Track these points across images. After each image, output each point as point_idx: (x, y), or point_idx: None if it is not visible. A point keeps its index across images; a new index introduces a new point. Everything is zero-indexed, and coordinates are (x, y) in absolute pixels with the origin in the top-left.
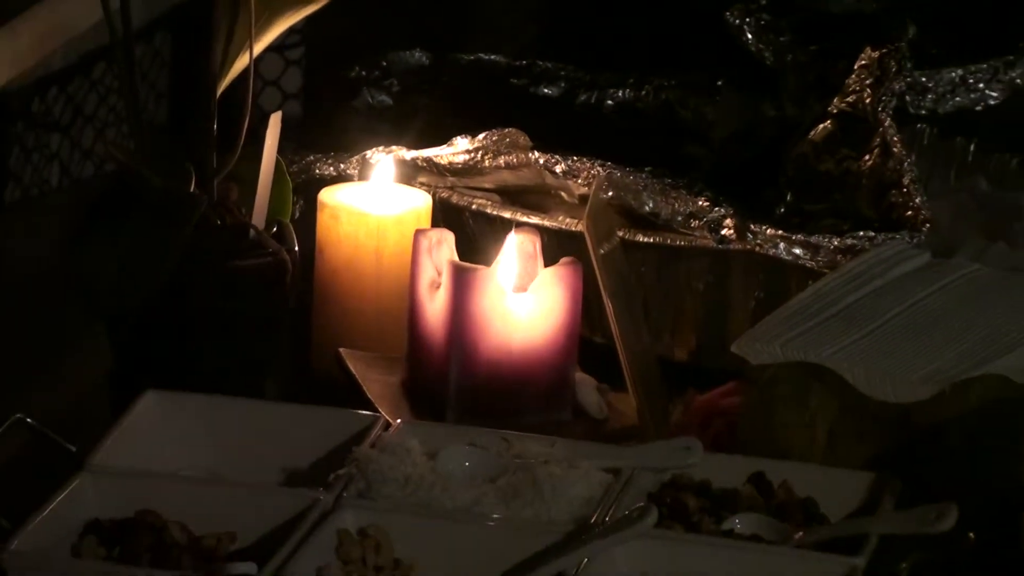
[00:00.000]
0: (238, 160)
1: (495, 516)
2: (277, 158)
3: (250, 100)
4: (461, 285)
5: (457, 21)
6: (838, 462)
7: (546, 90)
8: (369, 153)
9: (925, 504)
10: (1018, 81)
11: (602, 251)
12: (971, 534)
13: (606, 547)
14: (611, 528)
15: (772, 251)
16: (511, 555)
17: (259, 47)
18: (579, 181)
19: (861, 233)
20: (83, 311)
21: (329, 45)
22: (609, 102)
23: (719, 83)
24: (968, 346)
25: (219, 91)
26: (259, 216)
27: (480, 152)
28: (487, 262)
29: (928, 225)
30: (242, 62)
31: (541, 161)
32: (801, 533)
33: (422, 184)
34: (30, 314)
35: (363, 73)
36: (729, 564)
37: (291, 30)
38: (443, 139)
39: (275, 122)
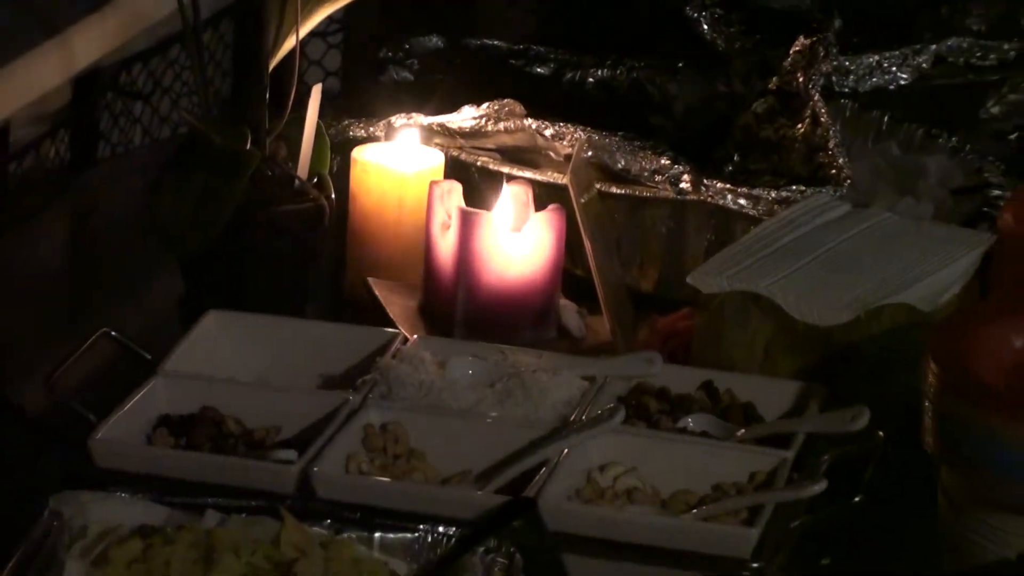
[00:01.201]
0: (286, 124)
1: (492, 414)
2: (318, 122)
3: (296, 75)
4: (467, 226)
5: (468, 13)
6: (773, 373)
7: (539, 69)
8: (393, 119)
9: (843, 408)
10: (923, 65)
11: (583, 200)
12: (880, 432)
13: (582, 440)
14: (586, 425)
15: (721, 201)
16: (505, 446)
17: (303, 32)
18: (564, 143)
19: (794, 187)
20: (160, 248)
21: (362, 32)
22: (590, 80)
23: (680, 65)
24: (880, 280)
25: (270, 68)
26: (303, 169)
27: (484, 119)
28: (488, 208)
29: (848, 181)
30: (289, 44)
31: (533, 126)
32: (743, 431)
33: (436, 144)
34: (118, 250)
35: (389, 54)
36: (683, 456)
37: (331, 19)
38: (454, 108)
39: (316, 93)
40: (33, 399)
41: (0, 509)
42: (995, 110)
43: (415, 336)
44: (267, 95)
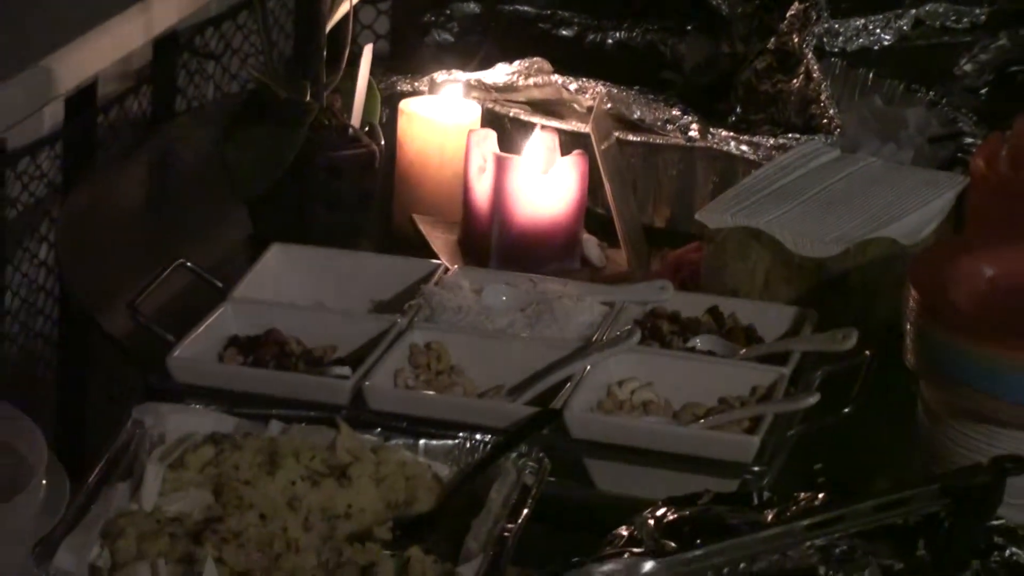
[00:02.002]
0: (341, 79)
1: (523, 335)
2: (369, 78)
3: (349, 36)
4: (501, 170)
5: None
6: (771, 299)
7: (564, 32)
8: (436, 75)
9: (834, 329)
10: (904, 28)
11: (603, 147)
12: (867, 351)
13: (603, 358)
14: (606, 344)
15: (725, 148)
16: (534, 363)
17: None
18: (586, 96)
19: (789, 135)
20: (230, 190)
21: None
22: (609, 40)
23: (688, 28)
24: (866, 217)
25: (327, 30)
26: (356, 119)
27: (516, 75)
28: (519, 153)
29: (838, 130)
30: (343, 9)
31: (559, 81)
32: (744, 350)
33: (474, 97)
34: (193, 192)
35: (432, 19)
36: (691, 372)
37: None
38: (489, 66)
39: (368, 52)
40: (119, 323)
41: (92, 419)
42: (967, 67)
43: (455, 266)
44: (324, 54)
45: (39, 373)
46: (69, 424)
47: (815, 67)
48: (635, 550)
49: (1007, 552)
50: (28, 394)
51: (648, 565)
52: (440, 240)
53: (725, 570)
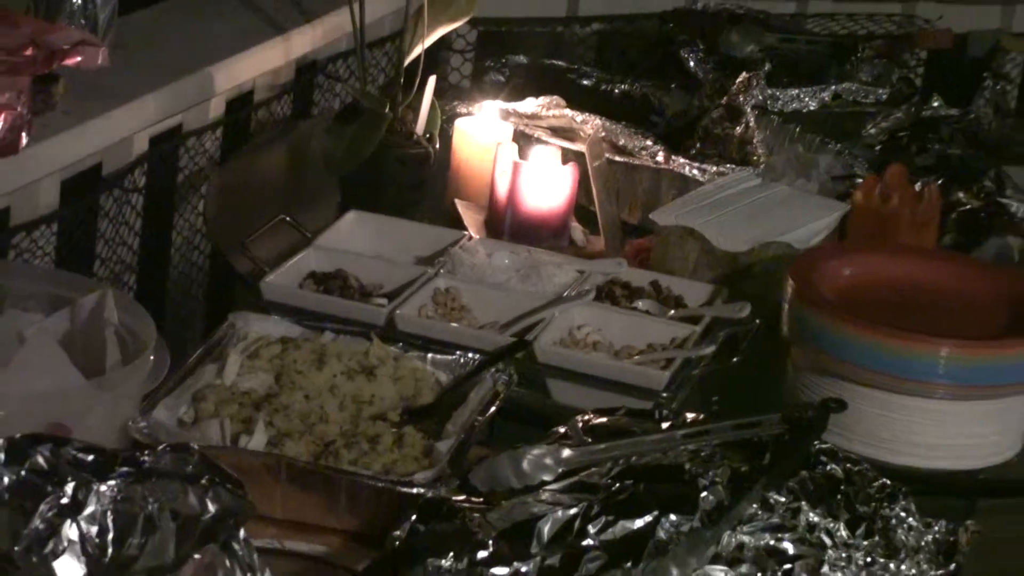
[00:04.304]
0: (413, 98)
1: (515, 288)
2: (433, 100)
3: (420, 70)
4: (516, 172)
5: (546, 42)
6: (697, 278)
7: (584, 82)
8: (484, 103)
9: (735, 302)
10: (826, 99)
11: (595, 164)
12: (756, 320)
13: (568, 308)
14: (571, 299)
15: (682, 171)
16: (522, 308)
17: (428, 43)
18: (588, 127)
19: (728, 166)
20: (325, 169)
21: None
22: (615, 91)
23: (672, 86)
24: (771, 226)
25: (404, 66)
26: (420, 128)
27: (541, 108)
28: (533, 162)
29: (763, 165)
30: (417, 51)
31: (570, 114)
32: (672, 312)
33: (509, 121)
34: (309, 170)
35: (491, 64)
36: (631, 324)
37: (466, 41)
38: (522, 99)
39: (431, 83)
40: (238, 258)
41: (211, 320)
42: (871, 131)
43: (476, 237)
44: (401, 82)
45: (193, 292)
46: (210, 325)
47: (752, 120)
48: (563, 441)
49: (828, 467)
50: (183, 309)
51: (566, 452)
52: (471, 218)
53: (620, 460)
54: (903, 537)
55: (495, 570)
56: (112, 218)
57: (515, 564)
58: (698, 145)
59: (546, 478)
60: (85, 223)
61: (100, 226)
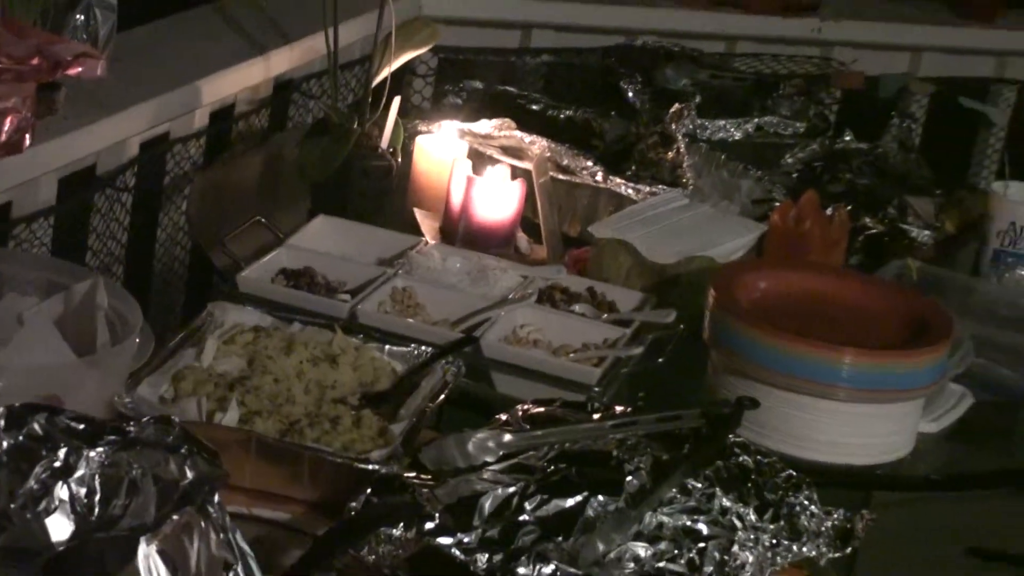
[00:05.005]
0: (379, 116)
1: (466, 289)
2: (397, 118)
3: (387, 91)
4: (469, 186)
5: (498, 70)
6: (629, 287)
7: (533, 107)
8: (443, 123)
9: (662, 309)
10: (749, 130)
11: (540, 180)
12: (681, 325)
13: (512, 309)
14: (517, 300)
15: (618, 190)
16: (471, 307)
17: (395, 67)
18: (535, 147)
19: (660, 187)
20: (298, 177)
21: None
22: (561, 116)
23: (612, 113)
24: (696, 242)
25: (372, 87)
26: (384, 143)
27: (494, 129)
28: (485, 176)
29: (692, 187)
30: (384, 73)
31: (520, 136)
32: (605, 316)
33: (464, 139)
34: (283, 177)
35: (448, 88)
36: (569, 325)
37: (428, 66)
38: (477, 120)
39: (395, 103)
40: (217, 254)
41: (191, 309)
42: (789, 161)
43: (432, 242)
44: (368, 100)
45: (175, 283)
46: (190, 313)
47: (683, 147)
48: (504, 427)
49: (740, 458)
50: (166, 298)
51: (507, 437)
52: (428, 225)
53: (555, 446)
54: (805, 523)
55: (440, 539)
56: (104, 214)
57: (458, 535)
58: (633, 167)
59: (488, 459)
60: (79, 218)
61: (93, 221)
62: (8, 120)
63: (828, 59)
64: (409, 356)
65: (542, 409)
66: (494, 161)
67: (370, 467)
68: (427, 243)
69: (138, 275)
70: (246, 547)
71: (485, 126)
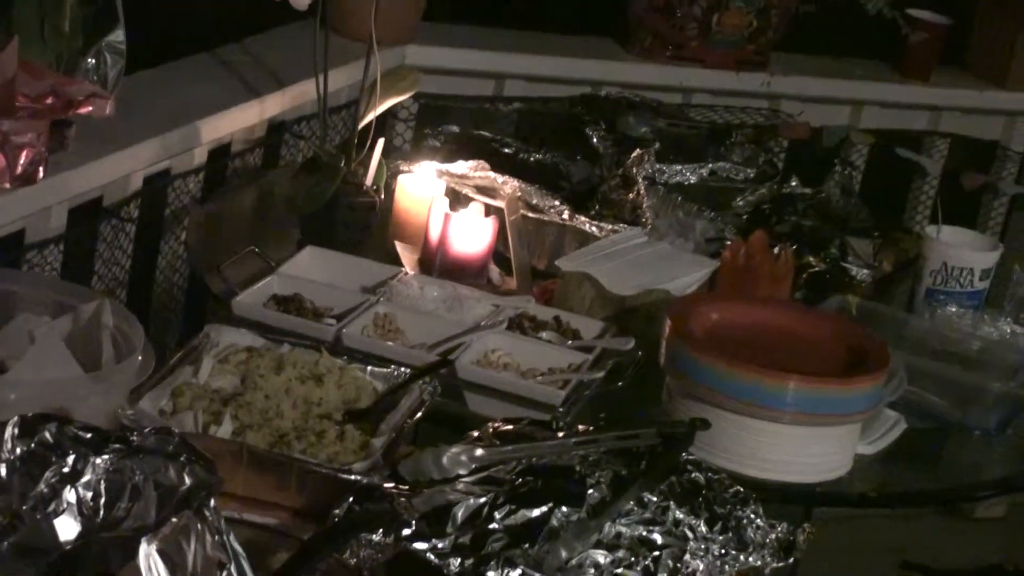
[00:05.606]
0: (364, 156)
1: (442, 316)
2: (380, 159)
3: (372, 134)
4: (447, 222)
5: (473, 115)
6: (592, 316)
7: (506, 150)
8: (422, 163)
9: (622, 336)
10: (704, 174)
11: (511, 218)
12: (639, 352)
13: (484, 335)
14: (489, 327)
15: (583, 227)
16: (447, 332)
17: (379, 112)
18: (507, 187)
19: (622, 225)
20: (288, 211)
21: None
22: (531, 159)
23: (578, 157)
24: (654, 275)
25: (358, 129)
26: (368, 181)
27: (469, 169)
28: (460, 213)
29: (650, 226)
30: (369, 118)
31: (493, 176)
32: (570, 342)
33: (442, 179)
34: (275, 211)
35: (428, 131)
36: (536, 351)
37: (409, 112)
38: (454, 161)
39: (379, 145)
40: (213, 280)
41: (189, 330)
42: (740, 203)
43: (411, 273)
44: (355, 141)
45: (174, 306)
46: (188, 334)
47: (643, 189)
48: (476, 443)
49: (693, 475)
50: (165, 320)
51: (479, 451)
52: (408, 257)
53: (523, 460)
54: (752, 534)
55: (416, 544)
56: (109, 242)
57: (433, 540)
58: (597, 207)
59: (461, 472)
60: (87, 245)
61: (99, 248)
62: (24, 154)
63: (776, 111)
64: (389, 376)
65: (511, 427)
66: (469, 199)
67: (352, 478)
68: (407, 273)
69: (140, 298)
70: (239, 548)
71: (461, 167)
